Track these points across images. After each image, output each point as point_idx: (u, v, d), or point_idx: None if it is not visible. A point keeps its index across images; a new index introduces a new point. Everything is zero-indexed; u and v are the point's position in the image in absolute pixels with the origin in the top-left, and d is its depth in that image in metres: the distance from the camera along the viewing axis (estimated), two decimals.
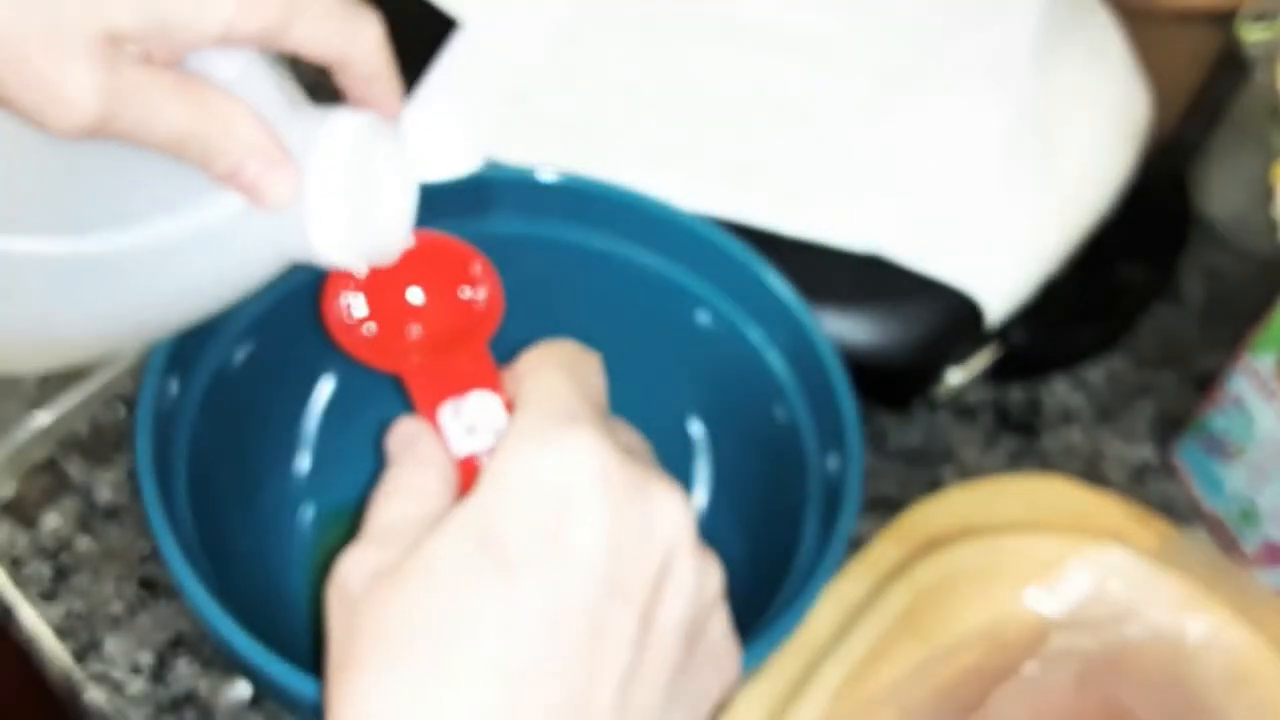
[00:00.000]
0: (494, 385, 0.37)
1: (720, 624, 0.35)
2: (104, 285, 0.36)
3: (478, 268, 0.41)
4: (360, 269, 0.39)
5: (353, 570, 0.33)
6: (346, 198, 0.36)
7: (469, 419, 0.37)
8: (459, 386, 0.37)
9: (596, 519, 0.31)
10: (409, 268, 0.40)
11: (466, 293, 0.40)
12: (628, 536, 0.32)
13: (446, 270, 0.40)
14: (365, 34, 0.37)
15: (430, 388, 0.37)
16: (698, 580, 0.33)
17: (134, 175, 0.36)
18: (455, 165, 0.41)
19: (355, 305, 0.39)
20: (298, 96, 0.37)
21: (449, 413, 0.37)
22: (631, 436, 0.39)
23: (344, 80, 0.38)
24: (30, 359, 0.42)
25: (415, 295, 0.40)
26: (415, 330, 0.40)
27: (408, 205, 0.39)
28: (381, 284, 0.40)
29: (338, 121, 0.36)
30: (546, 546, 0.31)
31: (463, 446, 0.36)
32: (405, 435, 0.36)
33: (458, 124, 0.40)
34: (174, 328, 0.41)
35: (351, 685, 0.31)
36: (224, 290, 0.39)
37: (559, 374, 0.35)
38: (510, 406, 0.37)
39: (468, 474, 0.36)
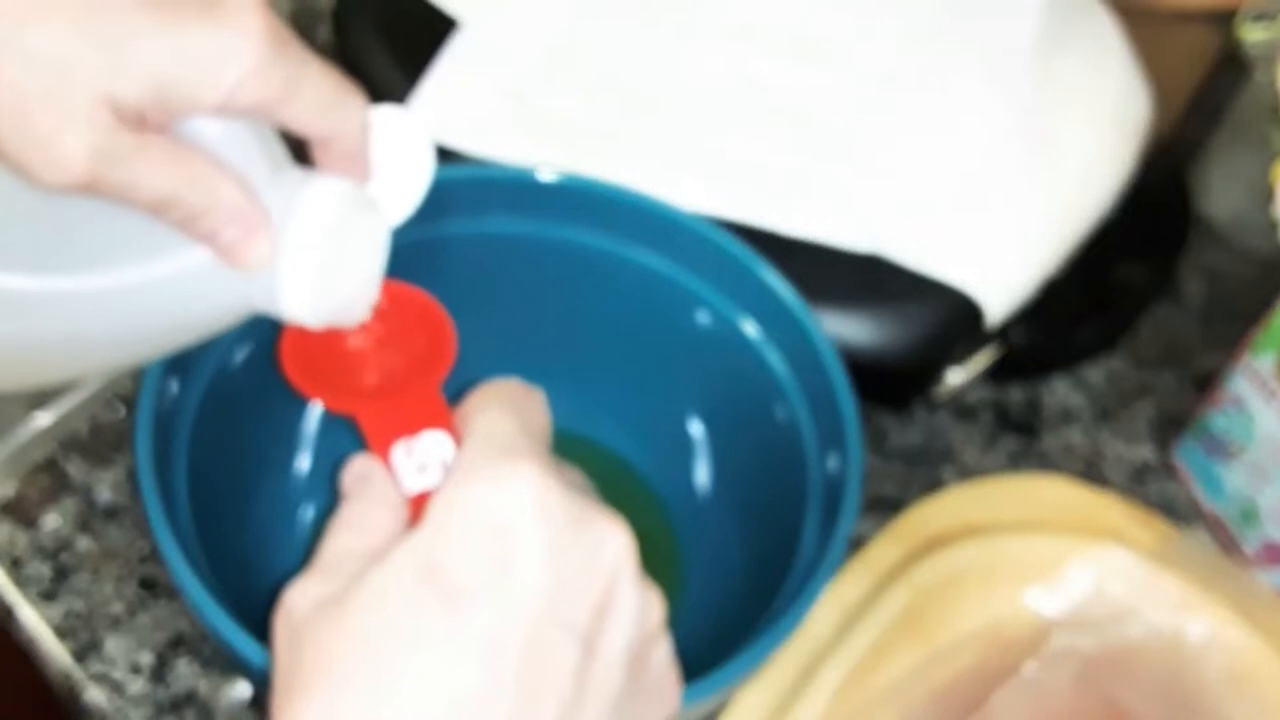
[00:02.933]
0: (446, 424, 0.38)
1: (662, 654, 0.35)
2: (74, 321, 0.37)
3: (432, 315, 0.42)
4: (319, 327, 0.39)
5: (298, 599, 0.33)
6: (320, 264, 0.37)
7: (420, 457, 0.37)
8: (411, 426, 0.38)
9: (537, 549, 0.32)
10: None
11: (420, 341, 0.42)
12: (569, 566, 0.32)
13: (401, 316, 0.42)
14: (354, 117, 0.38)
15: (383, 428, 0.38)
16: (640, 610, 0.33)
17: (112, 221, 0.36)
18: (413, 186, 0.42)
19: (311, 351, 0.41)
20: (280, 155, 0.38)
21: (401, 451, 0.38)
22: (574, 474, 0.40)
23: (322, 154, 0.39)
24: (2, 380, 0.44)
25: (370, 340, 0.42)
26: (369, 373, 0.41)
27: (376, 272, 0.40)
28: (337, 331, 0.41)
29: (317, 189, 0.37)
30: (488, 576, 0.31)
31: (414, 484, 0.37)
32: (358, 473, 0.37)
33: (410, 145, 0.41)
34: (142, 360, 0.42)
35: (294, 712, 0.31)
36: (189, 333, 0.40)
37: (502, 411, 0.36)
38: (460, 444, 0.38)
39: (419, 511, 0.36)
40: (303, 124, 0.37)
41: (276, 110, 0.36)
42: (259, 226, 0.36)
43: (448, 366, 0.41)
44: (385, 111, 0.41)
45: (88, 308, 0.37)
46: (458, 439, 0.37)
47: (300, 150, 0.39)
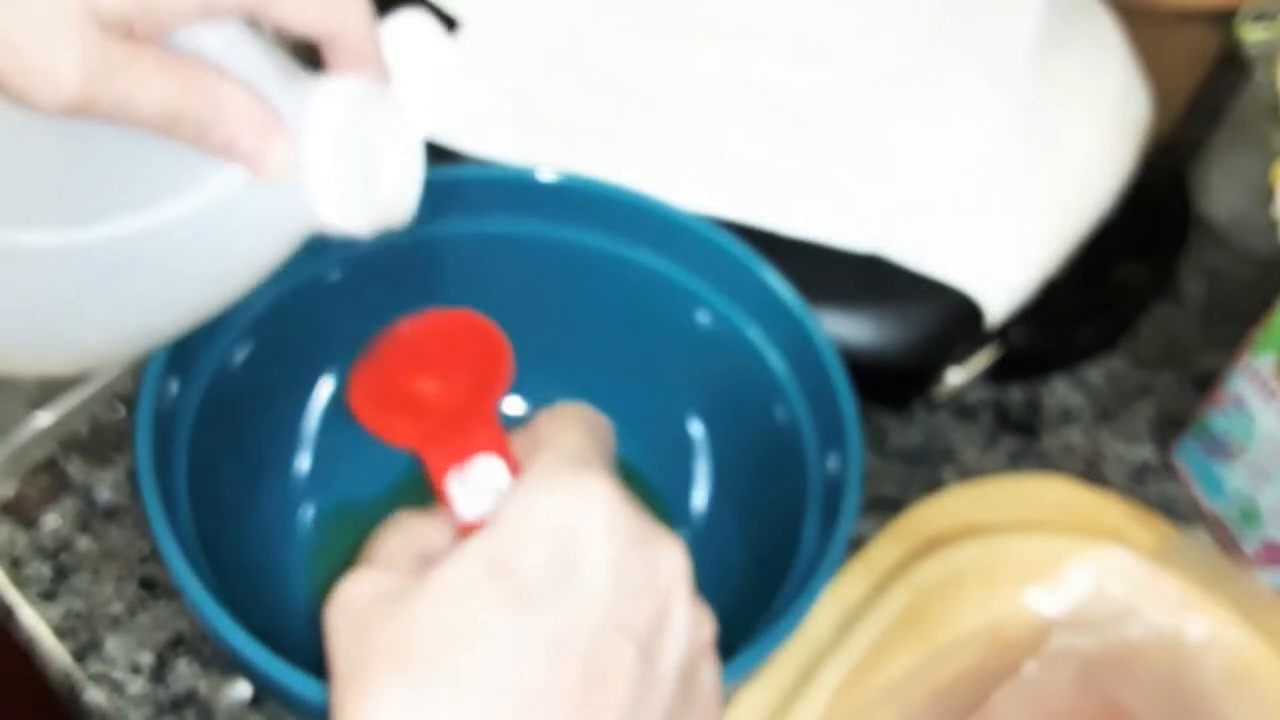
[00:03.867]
0: (500, 449, 0.39)
1: (710, 673, 0.36)
2: (110, 276, 0.36)
3: (489, 336, 0.42)
4: (369, 232, 0.39)
5: (355, 593, 0.34)
6: (347, 160, 0.36)
7: (474, 485, 0.38)
8: (466, 451, 0.39)
9: (604, 558, 0.33)
10: (426, 343, 0.42)
11: (477, 362, 0.42)
12: (632, 577, 0.33)
13: (460, 342, 0.42)
14: (352, 8, 0.37)
15: (442, 458, 0.39)
16: (694, 626, 0.34)
17: (134, 163, 0.35)
18: (432, 66, 0.41)
19: (379, 386, 0.41)
20: (289, 65, 0.37)
21: (455, 481, 0.38)
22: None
23: (331, 58, 0.38)
24: (47, 359, 0.41)
25: (432, 369, 0.42)
26: (431, 402, 0.42)
27: (411, 169, 0.39)
28: (401, 364, 0.41)
29: (332, 85, 0.36)
30: (555, 579, 0.32)
31: (469, 511, 0.38)
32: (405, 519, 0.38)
33: (425, 29, 0.40)
34: (188, 319, 0.40)
35: (368, 700, 0.31)
36: (236, 273, 0.38)
37: (576, 425, 0.37)
38: (515, 468, 0.38)
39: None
40: (299, 22, 0.36)
41: (264, 8, 0.35)
42: (275, 129, 0.35)
43: (504, 388, 0.41)
44: (400, 16, 0.39)
45: (121, 256, 0.36)
46: (511, 465, 0.38)
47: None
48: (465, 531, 0.37)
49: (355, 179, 0.37)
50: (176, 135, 0.35)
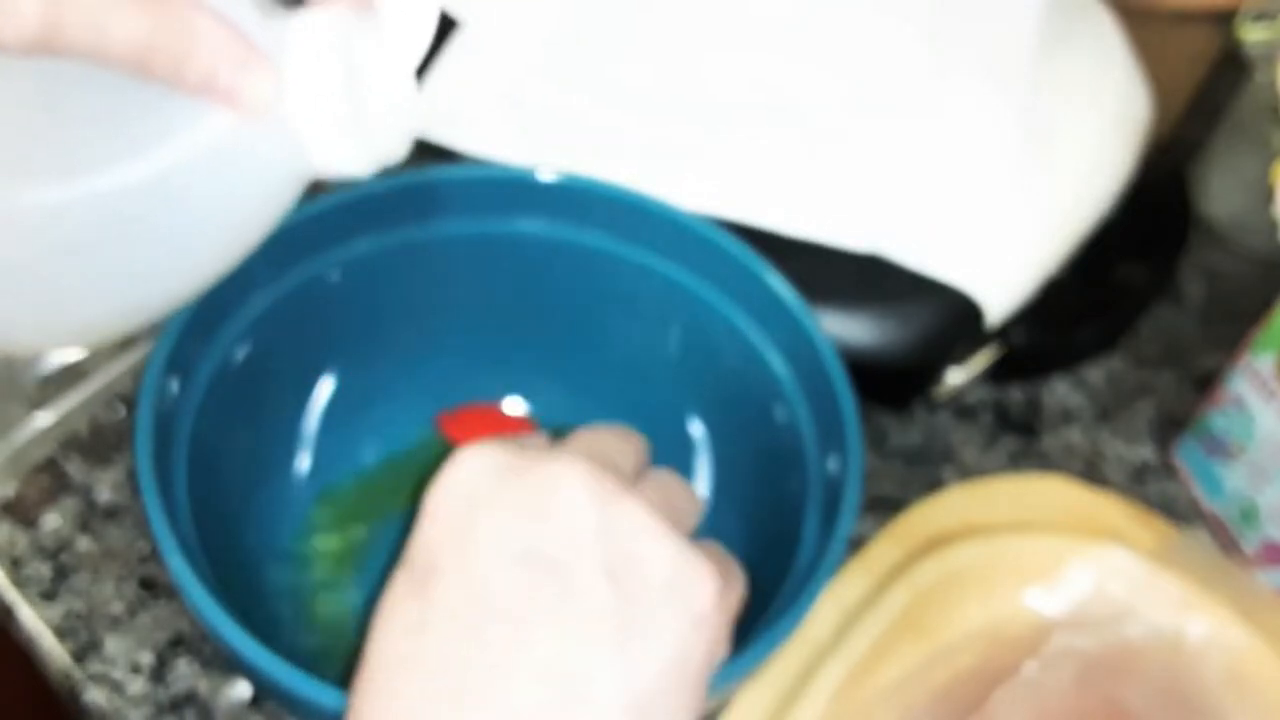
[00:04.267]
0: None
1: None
2: (98, 234, 0.34)
3: None
4: (366, 170, 0.37)
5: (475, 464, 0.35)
6: (333, 92, 0.35)
7: None
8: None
9: (667, 555, 0.35)
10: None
11: None
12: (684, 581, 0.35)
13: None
14: None
15: None
16: (719, 647, 0.37)
17: (115, 113, 0.34)
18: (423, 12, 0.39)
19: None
20: (267, 2, 0.35)
21: None
22: None
23: None
24: (43, 330, 0.39)
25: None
26: None
27: (403, 95, 0.37)
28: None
29: (312, 18, 0.35)
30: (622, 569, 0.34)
31: None
32: None
33: None
34: (193, 281, 0.38)
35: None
36: (233, 229, 0.37)
37: (611, 433, 0.39)
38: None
39: None
40: None
41: None
42: (254, 62, 0.34)
43: None
44: None
45: (111, 211, 0.34)
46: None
47: None
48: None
49: (343, 113, 0.35)
50: (150, 74, 0.33)
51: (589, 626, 0.33)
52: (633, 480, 0.38)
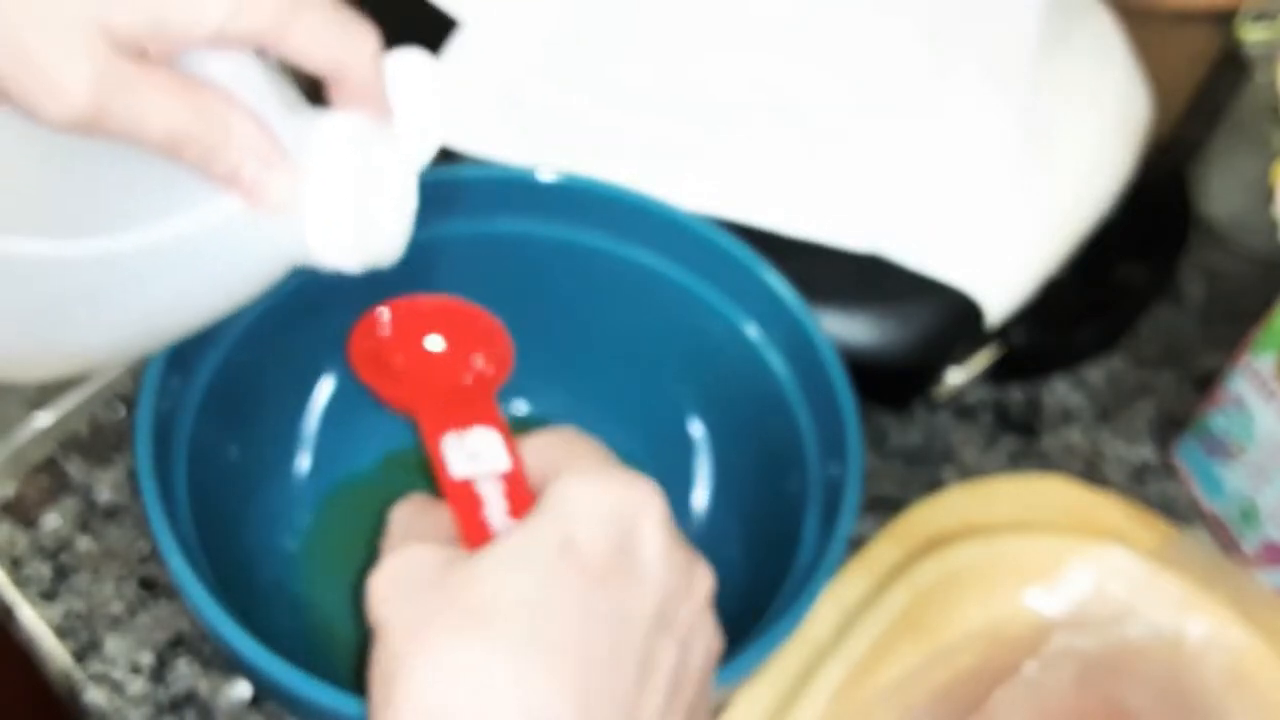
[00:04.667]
0: (499, 426, 0.40)
1: (710, 687, 0.37)
2: (104, 289, 0.36)
3: (497, 340, 0.44)
4: (358, 269, 0.39)
5: (414, 561, 0.35)
6: (345, 197, 0.36)
7: (470, 447, 0.39)
8: (464, 420, 0.40)
9: (659, 550, 0.35)
10: (433, 323, 0.43)
11: (480, 360, 0.44)
12: (676, 577, 0.35)
13: (469, 333, 0.44)
14: (363, 46, 0.37)
15: (438, 418, 0.40)
16: (713, 640, 0.37)
17: (133, 180, 0.36)
18: (429, 119, 0.41)
19: (378, 349, 0.42)
20: (293, 98, 0.37)
21: (452, 441, 0.39)
22: None
23: (336, 92, 0.38)
24: (32, 366, 0.42)
25: (435, 345, 0.43)
26: (431, 377, 0.43)
27: (405, 208, 0.39)
28: (406, 334, 0.43)
29: (334, 122, 0.37)
30: (619, 562, 0.34)
31: (461, 470, 0.38)
32: (415, 505, 0.39)
33: (426, 79, 0.40)
34: (174, 335, 0.41)
35: (436, 653, 0.32)
36: (224, 296, 0.39)
37: (593, 444, 0.39)
38: (512, 448, 0.39)
39: (465, 498, 0.38)
40: (307, 56, 0.36)
41: (278, 40, 0.36)
42: (278, 161, 0.36)
43: (501, 382, 0.43)
44: (400, 55, 0.39)
45: (116, 271, 0.36)
46: (510, 442, 0.39)
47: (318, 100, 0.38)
48: (452, 492, 0.38)
49: (350, 218, 0.37)
50: (180, 158, 0.35)
51: None
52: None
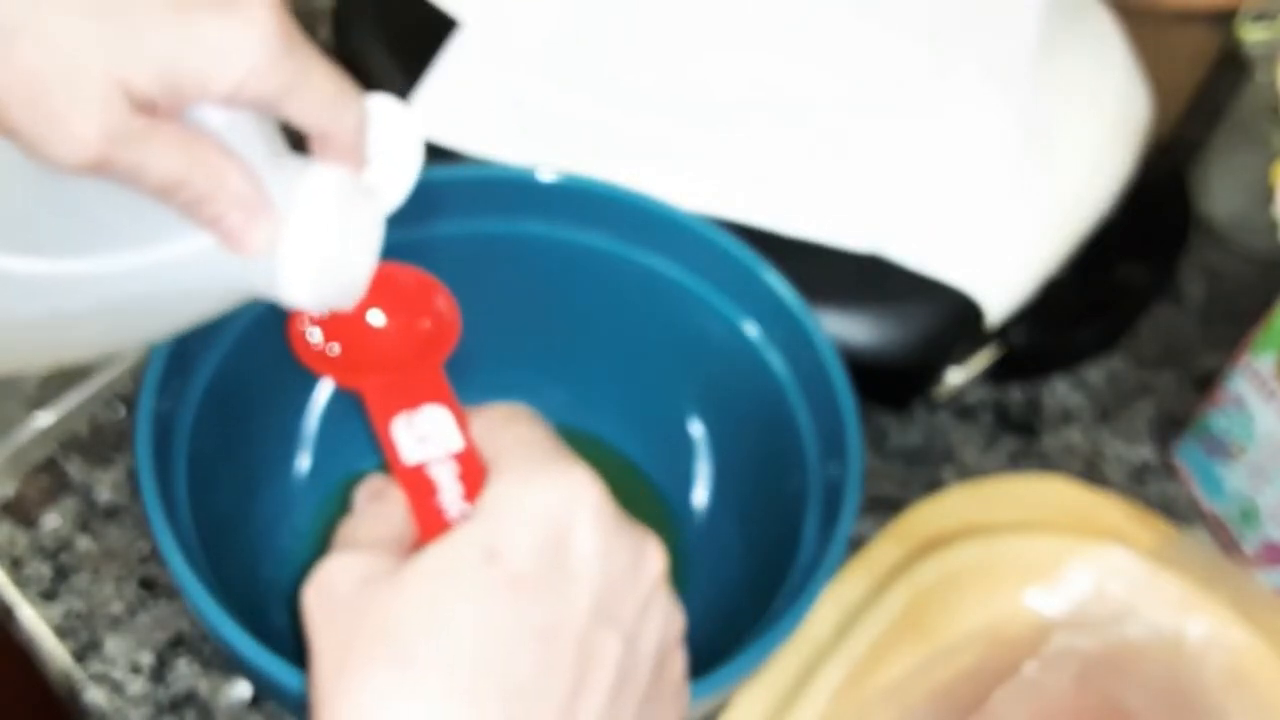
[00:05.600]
0: (447, 400, 0.39)
1: (679, 665, 0.37)
2: (75, 303, 0.38)
3: (437, 299, 0.43)
4: (318, 311, 0.41)
5: (339, 575, 0.34)
6: (319, 249, 0.38)
7: (421, 430, 0.39)
8: (414, 400, 0.39)
9: (592, 548, 0.34)
10: (372, 295, 0.42)
11: (425, 323, 0.43)
12: (618, 566, 0.34)
13: (407, 298, 0.43)
14: (353, 115, 0.39)
15: (387, 401, 0.39)
16: (669, 619, 0.36)
17: (115, 207, 0.37)
18: (403, 174, 0.43)
19: (319, 328, 0.42)
20: (279, 144, 0.39)
21: (402, 425, 0.39)
22: None
23: (321, 148, 0.39)
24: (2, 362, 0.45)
25: (377, 318, 0.43)
26: (376, 352, 0.42)
27: (370, 257, 0.41)
28: (341, 313, 0.42)
29: (319, 178, 0.38)
30: (547, 568, 0.33)
31: (413, 455, 0.38)
32: (374, 489, 0.39)
33: (401, 133, 0.42)
34: (139, 343, 0.43)
35: (355, 680, 0.32)
36: (186, 318, 0.41)
37: (531, 423, 0.38)
38: (462, 421, 0.39)
39: (419, 484, 0.37)
40: (304, 118, 0.38)
41: (281, 104, 0.37)
42: (262, 213, 0.37)
43: (451, 346, 0.42)
44: (378, 101, 0.41)
45: (88, 290, 0.38)
46: (460, 418, 0.39)
47: (295, 138, 0.39)
48: (405, 479, 0.37)
49: (320, 267, 0.38)
50: (170, 202, 0.37)
51: None
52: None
